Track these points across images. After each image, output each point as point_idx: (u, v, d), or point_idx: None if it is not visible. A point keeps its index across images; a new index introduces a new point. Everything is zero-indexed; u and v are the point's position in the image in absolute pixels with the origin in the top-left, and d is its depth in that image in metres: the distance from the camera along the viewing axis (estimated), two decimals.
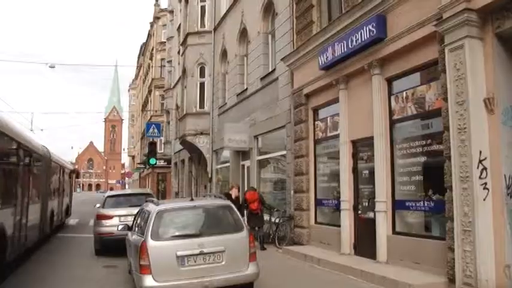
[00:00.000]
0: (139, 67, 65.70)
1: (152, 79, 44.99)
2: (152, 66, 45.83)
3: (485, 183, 6.57)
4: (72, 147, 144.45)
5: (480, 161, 6.61)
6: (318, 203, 12.01)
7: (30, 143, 11.06)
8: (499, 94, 6.61)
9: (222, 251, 6.62)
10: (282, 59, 13.41)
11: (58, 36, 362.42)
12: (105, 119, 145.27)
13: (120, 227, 8.90)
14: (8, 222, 8.36)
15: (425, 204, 8.16)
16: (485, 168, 6.60)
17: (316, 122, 12.27)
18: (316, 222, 11.99)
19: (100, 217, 12.06)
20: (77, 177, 24.03)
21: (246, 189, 14.73)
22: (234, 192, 13.33)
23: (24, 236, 9.93)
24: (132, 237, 7.79)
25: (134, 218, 8.64)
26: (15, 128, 9.67)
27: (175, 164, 32.27)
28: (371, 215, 9.45)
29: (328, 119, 11.67)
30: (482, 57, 6.74)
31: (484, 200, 6.55)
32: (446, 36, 7.05)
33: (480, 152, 6.62)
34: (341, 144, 10.61)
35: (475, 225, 6.48)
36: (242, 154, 17.89)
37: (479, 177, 6.58)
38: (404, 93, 8.85)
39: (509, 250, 6.42)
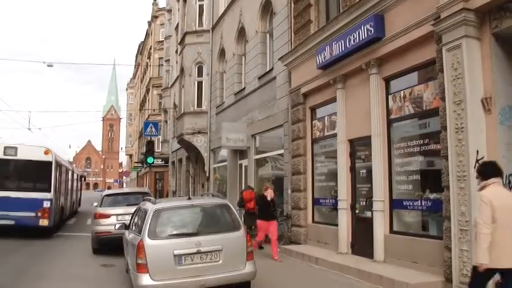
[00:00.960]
0: (137, 66, 65.63)
1: (150, 78, 44.97)
2: (150, 65, 45.80)
3: None
4: (70, 146, 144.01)
5: (477, 161, 6.59)
6: (316, 202, 12.00)
7: (68, 165, 21.44)
8: (496, 94, 6.60)
9: (219, 250, 6.60)
10: (279, 58, 13.39)
11: (56, 35, 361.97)
12: (103, 118, 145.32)
13: (117, 226, 8.88)
14: (65, 203, 18.71)
15: (423, 204, 8.16)
16: None
17: (313, 121, 12.26)
18: (313, 221, 11.98)
19: (98, 216, 12.03)
20: (84, 180, 33.89)
21: (243, 188, 14.71)
22: (269, 194, 11.28)
23: (68, 209, 20.57)
24: (130, 236, 7.77)
25: (131, 217, 8.62)
26: (64, 160, 20.08)
27: (173, 163, 32.24)
28: (368, 214, 9.45)
29: (326, 118, 11.66)
30: (479, 57, 6.73)
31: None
32: (444, 36, 7.04)
33: (477, 151, 6.62)
34: (338, 143, 10.60)
35: (472, 225, 6.46)
36: (240, 153, 17.89)
37: (477, 177, 6.54)
38: (401, 92, 8.84)
39: None
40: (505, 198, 4.88)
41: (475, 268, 4.85)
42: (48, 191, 14.58)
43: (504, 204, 4.75)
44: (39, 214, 14.08)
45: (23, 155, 14.58)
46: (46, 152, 14.89)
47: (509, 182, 6.52)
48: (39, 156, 14.72)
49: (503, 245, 4.65)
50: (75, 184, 24.27)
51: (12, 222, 13.75)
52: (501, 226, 4.67)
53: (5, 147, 14.64)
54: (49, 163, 14.79)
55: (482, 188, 5.07)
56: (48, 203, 14.36)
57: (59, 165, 16.33)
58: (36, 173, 14.61)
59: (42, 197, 14.24)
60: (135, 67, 69.08)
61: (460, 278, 6.61)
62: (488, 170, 5.13)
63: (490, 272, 4.75)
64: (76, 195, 25.35)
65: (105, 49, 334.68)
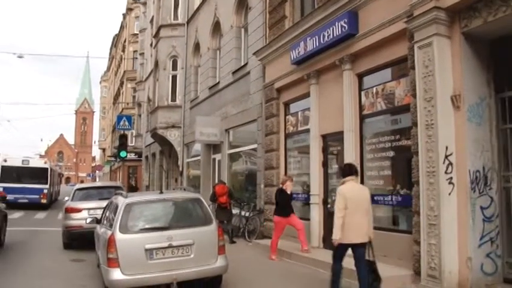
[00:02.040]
0: (111, 59, 64.62)
1: (124, 71, 44.36)
2: (124, 58, 45.16)
3: (451, 178, 6.69)
4: (41, 140, 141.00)
5: (446, 157, 6.71)
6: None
7: (56, 169, 34.76)
8: (465, 92, 6.71)
9: (190, 244, 6.55)
10: (254, 53, 13.36)
11: (28, 26, 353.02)
12: (76, 111, 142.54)
13: (88, 220, 8.72)
14: (53, 191, 28.07)
15: (393, 199, 8.26)
16: (450, 164, 6.71)
17: (287, 116, 12.27)
18: None
19: (69, 210, 11.79)
20: (62, 176, 47.96)
21: (216, 182, 14.66)
22: (289, 187, 10.12)
23: (55, 194, 30.64)
24: (101, 230, 7.65)
25: (103, 211, 8.48)
26: (53, 165, 31.07)
27: (146, 157, 31.96)
28: None
29: (299, 113, 11.69)
30: (449, 55, 6.83)
31: (449, 194, 6.66)
32: (416, 34, 7.11)
33: (446, 147, 6.73)
34: (311, 138, 10.65)
35: (441, 219, 6.59)
36: (213, 147, 17.83)
37: (445, 172, 6.69)
38: (374, 88, 8.92)
39: (472, 243, 6.55)
40: (356, 191, 6.38)
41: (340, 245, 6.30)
42: (46, 184, 24.83)
43: (355, 196, 6.28)
44: (41, 196, 24.33)
45: (32, 163, 25.19)
46: (45, 162, 26.46)
47: (476, 178, 6.65)
48: (41, 164, 25.66)
49: (352, 226, 6.20)
50: (57, 179, 34.82)
51: (26, 200, 23.46)
52: (351, 212, 6.19)
53: (22, 160, 25.06)
54: (47, 168, 25.42)
55: (342, 184, 6.52)
56: (46, 190, 24.68)
57: (51, 169, 26.67)
58: (40, 173, 24.67)
59: (42, 187, 24.54)
60: (109, 60, 68.05)
61: (428, 271, 6.73)
62: (346, 170, 6.63)
63: (345, 246, 6.30)
64: (58, 187, 35.69)
65: (78, 41, 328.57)
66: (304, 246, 9.79)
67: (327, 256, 8.90)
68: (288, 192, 10.06)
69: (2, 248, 11.48)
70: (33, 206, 23.58)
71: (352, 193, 6.28)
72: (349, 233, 6.19)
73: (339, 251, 6.32)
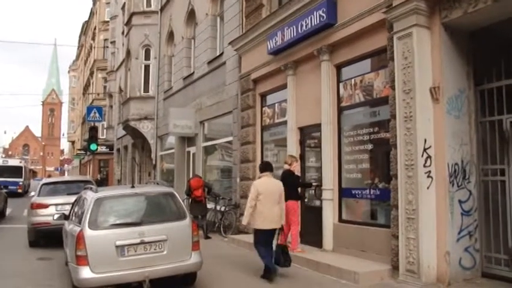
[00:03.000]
0: (80, 47, 63.42)
1: (94, 60, 43.73)
2: (94, 47, 44.47)
3: (429, 172, 6.77)
4: (5, 132, 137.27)
5: (425, 150, 6.79)
6: None
7: (27, 166, 41.56)
8: (444, 84, 6.79)
9: (163, 239, 6.48)
10: (230, 43, 13.26)
11: None
12: (42, 102, 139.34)
13: (56, 217, 8.57)
14: (26, 184, 35.90)
15: (372, 193, 8.32)
16: (429, 157, 6.79)
17: (263, 108, 12.25)
18: None
19: (35, 206, 11.49)
20: (32, 172, 55.55)
21: (190, 176, 14.57)
22: (296, 168, 9.32)
23: (27, 186, 37.32)
24: (69, 226, 7.47)
25: (72, 207, 8.31)
26: (26, 164, 41.07)
27: (118, 150, 31.61)
28: (317, 203, 9.55)
29: (276, 105, 11.67)
30: (429, 47, 6.89)
31: (428, 188, 6.75)
32: (395, 24, 7.15)
33: (425, 140, 6.80)
34: (288, 131, 10.63)
35: (419, 213, 6.67)
36: (188, 140, 17.73)
37: (424, 166, 6.76)
38: (353, 80, 8.94)
39: (450, 237, 6.66)
40: (268, 185, 7.58)
41: (254, 230, 7.59)
42: (21, 178, 32.85)
43: (267, 189, 7.48)
44: (18, 187, 31.73)
45: (11, 163, 34.62)
46: (20, 162, 36.53)
47: (455, 171, 6.75)
48: (17, 163, 35.04)
49: (264, 214, 7.37)
50: (28, 175, 42.02)
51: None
52: (264, 202, 7.38)
53: (3, 160, 35.48)
54: (21, 167, 34.20)
55: (258, 178, 7.87)
56: (21, 182, 32.56)
57: (24, 167, 35.60)
58: (16, 170, 32.76)
59: (19, 180, 32.20)
60: (78, 48, 66.77)
61: (406, 266, 6.81)
62: (262, 168, 7.99)
63: (262, 231, 7.38)
64: (29, 181, 41.53)
65: (45, 28, 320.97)
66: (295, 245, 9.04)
67: (303, 251, 9.01)
68: (296, 173, 9.32)
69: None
70: (12, 195, 27.99)
71: (264, 186, 7.51)
72: (261, 220, 7.39)
73: (259, 236, 7.41)
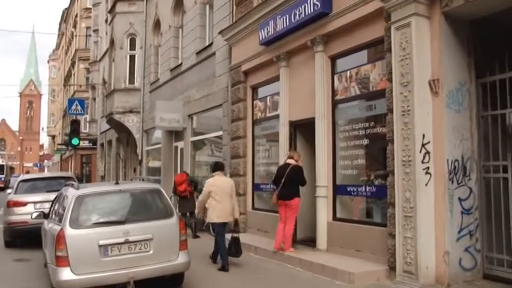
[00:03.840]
0: (61, 35, 62.65)
1: (76, 50, 43.37)
2: (76, 35, 44.08)
3: (428, 168, 6.78)
4: None
5: (423, 145, 6.79)
6: (256, 187, 12.03)
7: (6, 164, 55.49)
8: (444, 76, 6.79)
9: (149, 239, 6.46)
10: (219, 33, 13.20)
11: None
12: (20, 93, 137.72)
13: (34, 215, 8.48)
14: (7, 179, 48.38)
15: (367, 190, 8.34)
16: (428, 153, 6.79)
17: (254, 101, 12.23)
18: (253, 208, 12.02)
19: (11, 204, 11.40)
20: (12, 169, 66.61)
21: (178, 172, 14.55)
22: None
23: (8, 182, 46.12)
24: (49, 225, 7.44)
25: (51, 205, 8.27)
26: (5, 162, 55.98)
27: (102, 145, 31.42)
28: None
29: (268, 98, 11.66)
30: (428, 37, 6.88)
31: (426, 185, 6.76)
32: (393, 13, 7.13)
33: (423, 135, 6.80)
34: (281, 125, 10.63)
35: (417, 211, 6.68)
36: (175, 135, 17.67)
37: (422, 162, 6.77)
38: (348, 72, 8.94)
39: (450, 237, 6.68)
40: (220, 183, 8.76)
41: (210, 223, 8.93)
42: (3, 174, 46.26)
43: (218, 186, 8.66)
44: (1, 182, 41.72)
45: None
46: (2, 160, 54.12)
47: (455, 168, 6.77)
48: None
49: (217, 209, 8.54)
50: (9, 171, 51.58)
51: None
52: (216, 199, 8.56)
53: None
54: (3, 164, 49.50)
55: (211, 177, 9.06)
56: (3, 178, 45.60)
57: (6, 164, 50.51)
58: None
59: (1, 176, 45.17)
60: (58, 36, 65.97)
61: (403, 266, 6.82)
62: (215, 167, 9.25)
63: (217, 224, 8.61)
64: (9, 177, 49.53)
65: (23, 14, 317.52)
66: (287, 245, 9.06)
67: (296, 251, 9.03)
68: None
69: None
70: None
71: (216, 184, 8.71)
72: (215, 214, 8.53)
73: (215, 228, 8.64)
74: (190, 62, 15.99)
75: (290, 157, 9.20)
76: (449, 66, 6.85)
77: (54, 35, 71.24)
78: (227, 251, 8.53)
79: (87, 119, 36.36)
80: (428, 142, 6.80)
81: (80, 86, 41.12)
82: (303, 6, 9.45)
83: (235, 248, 8.62)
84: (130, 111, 21.17)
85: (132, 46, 21.60)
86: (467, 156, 6.94)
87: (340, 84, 9.14)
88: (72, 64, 45.47)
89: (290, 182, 8.82)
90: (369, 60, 8.54)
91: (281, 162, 10.44)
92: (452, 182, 6.76)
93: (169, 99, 17.40)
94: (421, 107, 6.81)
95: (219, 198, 8.55)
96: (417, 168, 6.74)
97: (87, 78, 38.75)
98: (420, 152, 6.77)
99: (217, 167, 9.20)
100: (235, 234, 8.69)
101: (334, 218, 9.00)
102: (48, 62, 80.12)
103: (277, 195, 8.97)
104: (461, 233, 6.77)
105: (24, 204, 11.22)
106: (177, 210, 11.24)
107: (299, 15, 9.59)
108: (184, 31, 16.87)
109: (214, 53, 14.11)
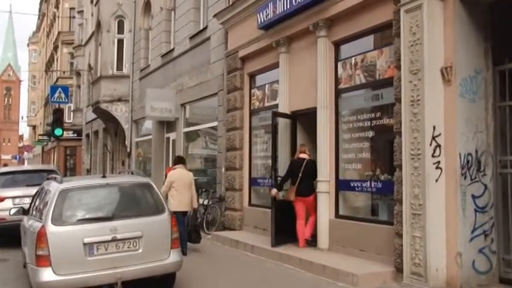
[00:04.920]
0: (41, 16, 62.20)
1: (59, 32, 43.10)
2: (58, 17, 43.80)
3: (438, 162, 6.74)
4: None
5: (433, 138, 6.76)
6: (253, 182, 12.03)
7: None
8: (457, 63, 6.72)
9: (138, 236, 6.45)
10: (215, 15, 13.14)
11: None
12: None
13: (13, 211, 8.50)
14: None
15: (373, 185, 8.33)
16: (438, 146, 6.76)
17: (252, 90, 12.21)
18: (250, 204, 12.03)
19: None
20: None
21: (169, 165, 14.55)
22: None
23: None
24: (29, 222, 7.39)
25: (32, 200, 8.24)
26: None
27: (87, 136, 31.37)
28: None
29: (267, 86, 11.64)
30: (441, 21, 6.80)
31: (437, 180, 6.73)
32: None
33: (434, 127, 6.77)
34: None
35: (426, 208, 6.66)
36: (167, 125, 17.72)
37: (432, 156, 6.74)
38: (353, 59, 8.91)
39: (462, 236, 6.64)
40: (181, 175, 9.93)
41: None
42: None
43: (179, 179, 9.81)
44: None
45: None
46: None
47: (468, 162, 6.73)
48: None
49: (178, 200, 9.68)
50: None
51: None
52: (177, 190, 9.71)
53: None
54: None
55: (173, 169, 10.25)
56: None
57: None
58: None
59: None
60: (39, 17, 65.42)
61: (411, 268, 6.80)
62: (177, 160, 10.68)
63: (177, 213, 8.77)
64: None
65: None
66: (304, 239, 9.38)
67: (295, 250, 9.03)
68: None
69: None
70: None
71: (177, 176, 9.86)
72: (175, 204, 9.56)
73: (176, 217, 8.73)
74: (183, 47, 15.95)
75: (302, 151, 9.45)
76: (464, 52, 6.79)
77: (34, 16, 70.67)
78: (187, 238, 9.67)
79: (72, 108, 36.15)
80: (439, 134, 6.76)
81: (64, 72, 40.93)
82: None
83: (195, 235, 10.02)
84: (119, 100, 21.19)
85: (121, 29, 21.56)
86: (482, 150, 6.88)
87: (344, 72, 9.10)
88: (55, 48, 45.20)
89: (307, 177, 9.19)
90: (376, 46, 8.51)
91: (280, 155, 10.48)
92: (465, 177, 6.71)
93: (161, 87, 17.41)
94: (432, 97, 6.77)
95: (180, 189, 9.73)
96: (427, 162, 6.71)
97: (71, 64, 38.58)
98: (430, 145, 6.74)
99: (179, 160, 10.64)
100: (196, 222, 10.53)
101: (337, 215, 8.99)
102: (28, 45, 79.75)
103: (295, 192, 9.22)
104: (474, 233, 6.73)
105: (1, 199, 11.22)
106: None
107: None
108: (177, 13, 16.83)
109: (209, 38, 14.08)
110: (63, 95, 22.29)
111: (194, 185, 10.20)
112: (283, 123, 10.50)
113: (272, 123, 10.16)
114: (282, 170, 10.17)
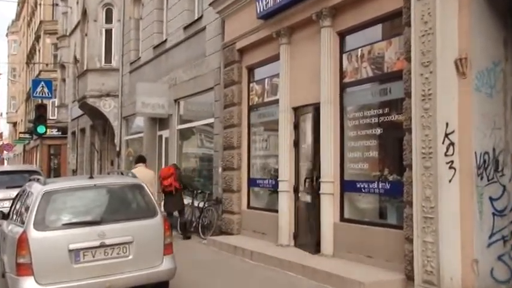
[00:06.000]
0: (21, 3, 62.16)
1: (41, 22, 43.18)
2: (40, 4, 43.77)
3: (452, 162, 6.70)
4: None
5: (446, 135, 6.72)
6: (252, 183, 12.05)
7: None
8: (473, 54, 6.69)
9: (129, 242, 6.49)
10: (210, 4, 13.14)
11: None
12: None
13: None
14: None
15: (380, 186, 8.31)
16: (452, 144, 6.71)
17: (251, 84, 12.23)
18: (248, 206, 12.04)
19: None
20: None
21: (164, 165, 14.62)
22: None
23: None
24: (9, 227, 7.39)
25: (12, 203, 8.25)
26: None
27: (73, 134, 31.43)
28: (315, 198, 9.51)
29: (266, 80, 11.65)
30: (456, 8, 6.74)
31: (450, 181, 6.68)
32: None
33: (447, 124, 6.73)
34: (281, 111, 10.61)
35: (438, 211, 6.62)
36: (159, 122, 17.74)
37: (445, 154, 6.70)
38: (359, 50, 8.91)
39: (479, 242, 6.61)
40: (142, 174, 10.42)
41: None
42: None
43: (141, 177, 8.89)
44: None
45: None
46: None
47: (484, 162, 6.70)
48: None
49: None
50: None
51: None
52: None
53: None
54: None
55: (134, 168, 11.41)
56: None
57: None
58: None
59: None
60: (18, 5, 65.28)
61: (423, 276, 6.77)
62: (137, 159, 12.47)
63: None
64: None
65: None
66: None
67: (298, 256, 9.04)
68: None
69: None
70: None
71: (139, 175, 9.38)
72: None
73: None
74: (176, 39, 15.97)
75: None
76: (480, 42, 6.75)
77: (13, 3, 70.28)
78: None
79: (56, 104, 36.23)
80: (453, 131, 6.72)
81: (47, 65, 41.08)
82: None
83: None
84: (107, 95, 21.24)
85: (109, 18, 21.64)
86: (500, 148, 6.86)
87: (349, 65, 9.10)
88: (37, 38, 45.21)
89: None
90: (384, 36, 8.50)
91: (281, 154, 10.50)
92: (482, 178, 6.69)
93: (153, 81, 17.47)
94: (445, 91, 6.73)
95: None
96: (439, 161, 6.67)
97: (55, 56, 38.73)
98: (443, 143, 6.71)
99: (139, 159, 12.25)
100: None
101: (342, 218, 8.99)
102: (6, 35, 79.36)
103: None
104: (492, 238, 6.70)
105: None
106: (162, 209, 11.28)
107: None
108: (170, 2, 16.87)
109: (204, 28, 14.09)
110: (46, 90, 22.32)
111: (154, 184, 11.57)
112: (284, 120, 10.47)
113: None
114: (285, 171, 10.15)
